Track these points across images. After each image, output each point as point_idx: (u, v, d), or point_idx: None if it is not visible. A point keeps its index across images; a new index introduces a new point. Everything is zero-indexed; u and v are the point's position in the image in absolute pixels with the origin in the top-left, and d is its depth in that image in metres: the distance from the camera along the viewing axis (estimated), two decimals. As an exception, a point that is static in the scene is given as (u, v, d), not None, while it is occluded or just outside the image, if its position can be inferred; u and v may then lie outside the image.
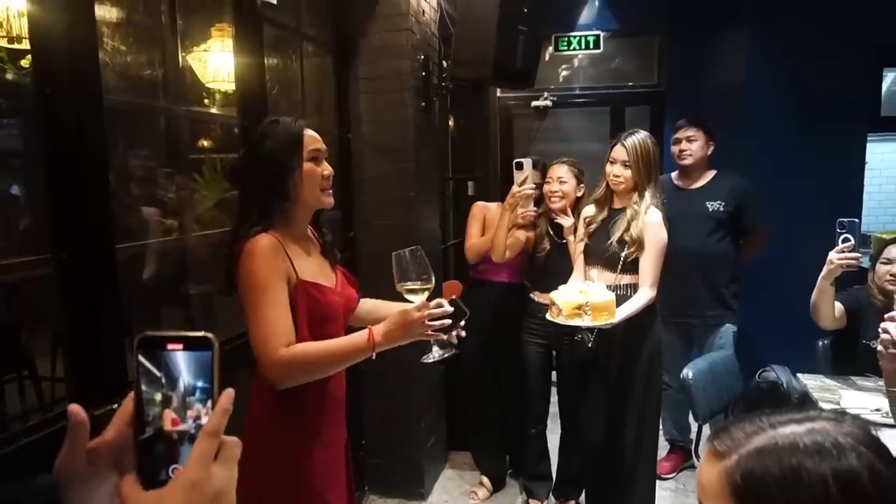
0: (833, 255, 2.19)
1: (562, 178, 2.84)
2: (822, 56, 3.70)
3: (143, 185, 2.18)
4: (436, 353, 1.56)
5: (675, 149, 3.24)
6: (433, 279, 1.53)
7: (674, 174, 3.33)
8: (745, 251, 3.30)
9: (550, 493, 3.12)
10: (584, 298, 2.23)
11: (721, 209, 3.15)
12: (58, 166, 1.47)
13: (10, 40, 1.81)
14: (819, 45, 3.70)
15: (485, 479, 3.30)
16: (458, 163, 4.64)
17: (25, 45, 1.80)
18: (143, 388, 0.57)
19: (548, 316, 2.35)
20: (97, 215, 1.54)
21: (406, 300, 1.53)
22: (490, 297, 3.12)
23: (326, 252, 1.71)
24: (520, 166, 2.78)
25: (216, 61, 2.61)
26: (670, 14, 4.69)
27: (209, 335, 0.57)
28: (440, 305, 1.47)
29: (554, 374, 3.14)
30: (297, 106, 2.80)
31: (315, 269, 1.60)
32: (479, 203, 3.25)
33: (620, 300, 2.36)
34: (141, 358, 0.57)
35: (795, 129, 3.81)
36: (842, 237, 2.10)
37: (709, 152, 3.22)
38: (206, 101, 2.68)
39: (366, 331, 1.48)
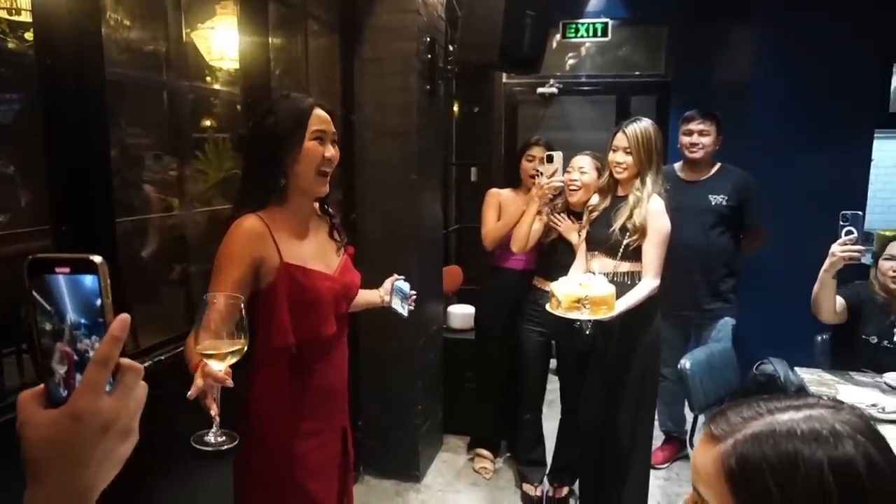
0: (836, 248, 2.18)
1: (583, 168, 2.81)
2: (831, 50, 3.68)
3: (145, 161, 2.17)
4: (209, 437, 1.25)
5: (685, 140, 3.19)
6: (244, 342, 1.22)
7: (677, 165, 3.29)
8: (745, 246, 3.28)
9: (545, 478, 3.14)
10: (584, 292, 2.23)
11: (724, 203, 3.13)
12: (59, 137, 1.46)
13: (11, 12, 1.80)
14: (828, 39, 3.67)
15: (482, 451, 3.37)
16: (462, 148, 4.63)
17: (25, 17, 1.79)
18: (41, 311, 0.55)
19: (547, 307, 2.35)
20: (98, 188, 1.53)
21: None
22: (506, 282, 3.14)
23: (332, 235, 1.67)
24: (550, 159, 2.77)
25: (220, 38, 2.59)
26: (679, 4, 4.65)
27: (94, 258, 0.54)
28: (211, 400, 1.24)
29: (553, 361, 3.16)
30: (300, 85, 2.78)
31: (310, 252, 1.56)
32: (493, 190, 3.26)
33: (619, 287, 2.36)
34: (31, 281, 0.54)
35: (802, 124, 3.79)
36: (845, 230, 2.09)
37: (717, 147, 3.19)
38: (209, 78, 2.66)
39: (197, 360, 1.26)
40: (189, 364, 1.33)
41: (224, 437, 1.25)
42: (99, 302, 0.55)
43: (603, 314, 2.23)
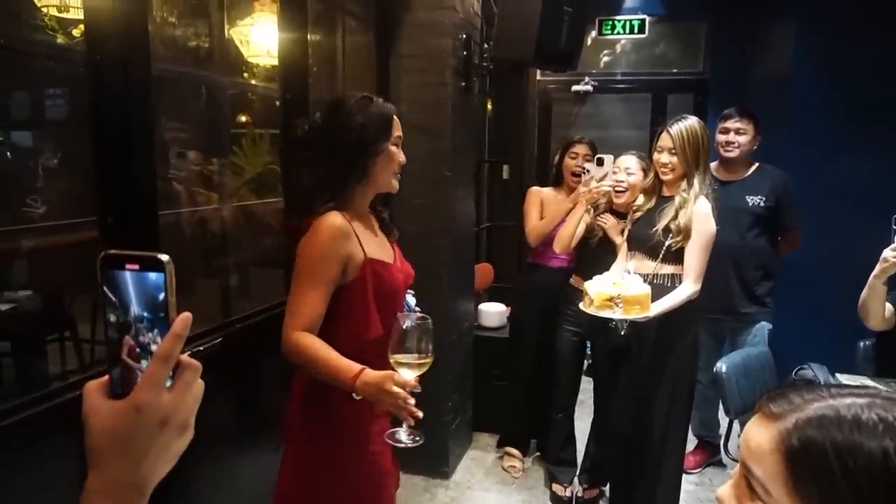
0: (888, 253, 2.11)
1: (629, 169, 2.76)
2: (875, 43, 3.56)
3: (185, 155, 2.21)
4: (402, 436, 1.44)
5: (721, 138, 3.12)
6: (431, 359, 1.39)
7: (713, 164, 3.21)
8: (782, 247, 3.20)
9: (575, 479, 3.12)
10: (617, 291, 2.19)
11: (761, 204, 3.05)
12: (105, 131, 1.49)
13: (60, 9, 1.86)
14: (869, 36, 3.56)
15: (512, 450, 3.36)
16: (494, 146, 4.61)
17: (73, 14, 1.84)
18: (109, 304, 0.57)
19: (580, 305, 2.33)
20: (142, 180, 1.56)
21: (394, 368, 1.39)
22: (545, 280, 3.13)
23: (384, 229, 1.71)
24: (601, 162, 2.72)
25: (259, 35, 2.63)
26: (717, 0, 4.56)
27: (162, 256, 0.56)
28: (412, 403, 1.37)
29: (586, 361, 3.14)
30: (337, 81, 2.80)
31: (378, 245, 1.62)
32: (534, 188, 3.24)
33: (659, 290, 2.32)
34: (103, 275, 0.56)
35: (845, 121, 3.68)
36: None
37: (755, 146, 3.11)
38: (246, 74, 2.70)
39: (358, 368, 1.42)
40: (334, 381, 1.43)
41: (418, 437, 1.43)
42: (162, 298, 0.57)
43: (636, 314, 2.19)
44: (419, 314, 1.41)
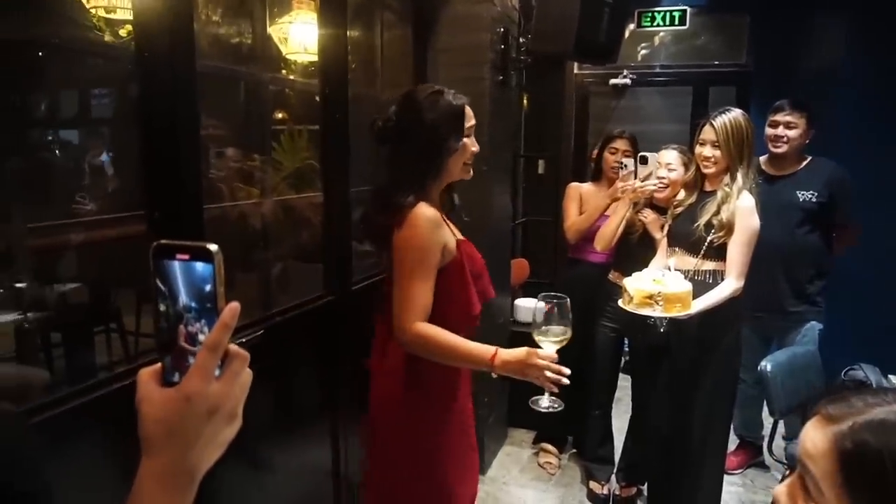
0: None
1: (671, 164, 2.70)
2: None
3: (226, 151, 2.24)
4: (545, 402, 1.62)
5: (770, 132, 3.01)
6: (570, 333, 1.56)
7: (762, 158, 3.11)
8: (836, 245, 3.09)
9: (612, 477, 3.09)
10: (657, 288, 2.15)
11: (813, 199, 2.94)
12: (153, 127, 1.52)
13: (108, 10, 1.91)
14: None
15: (547, 446, 3.34)
16: (530, 140, 4.57)
17: (119, 14, 1.89)
18: (160, 294, 0.58)
19: (619, 303, 2.29)
20: (188, 175, 1.59)
21: (536, 344, 1.56)
22: (584, 275, 3.10)
23: (451, 211, 1.79)
24: (644, 160, 2.67)
25: (298, 32, 2.65)
26: (762, -10, 4.44)
27: (211, 246, 0.57)
28: (559, 366, 1.53)
29: (623, 359, 3.10)
30: (375, 76, 2.81)
31: (457, 229, 1.72)
32: (574, 184, 3.23)
33: (701, 287, 2.27)
34: (155, 265, 0.57)
35: (890, 117, 3.54)
36: None
37: (807, 140, 2.98)
38: (285, 70, 2.73)
39: (492, 349, 1.54)
40: (465, 363, 1.61)
41: (558, 402, 1.61)
42: (210, 289, 0.57)
43: (677, 312, 2.14)
44: (556, 294, 1.56)
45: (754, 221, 2.29)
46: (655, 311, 2.14)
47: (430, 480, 1.70)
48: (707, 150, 2.34)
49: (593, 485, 3.08)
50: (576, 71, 4.99)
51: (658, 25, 4.67)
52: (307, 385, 2.29)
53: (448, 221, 1.68)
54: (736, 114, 2.33)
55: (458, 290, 1.63)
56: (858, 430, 0.73)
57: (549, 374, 1.50)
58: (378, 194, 1.67)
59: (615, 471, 3.10)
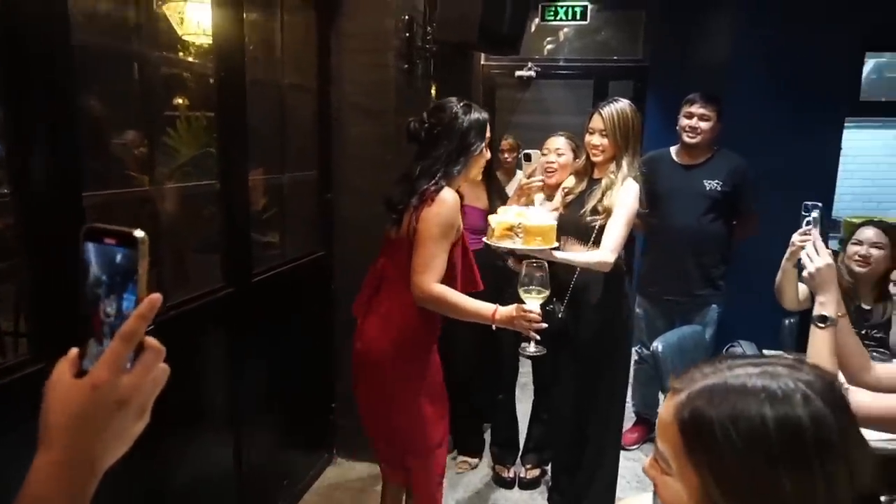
0: (795, 237, 2.20)
1: (559, 149, 2.79)
2: (807, 36, 3.69)
3: (112, 134, 2.10)
4: (532, 347, 1.97)
5: (684, 123, 3.12)
6: (548, 291, 1.92)
7: (673, 149, 3.25)
8: (737, 232, 3.26)
9: (518, 460, 3.17)
10: (518, 220, 2.11)
11: (718, 189, 3.09)
12: (23, 105, 1.40)
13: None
14: (804, 25, 3.68)
15: (467, 458, 3.27)
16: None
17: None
18: (87, 278, 0.56)
19: (484, 239, 2.24)
20: (65, 158, 1.48)
21: (522, 300, 1.90)
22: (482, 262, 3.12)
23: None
24: (528, 157, 2.76)
25: (195, 11, 2.52)
26: (657, -12, 4.65)
27: (137, 233, 0.55)
28: (540, 318, 1.89)
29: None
30: (276, 61, 2.72)
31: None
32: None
33: (592, 275, 2.36)
34: (84, 247, 0.56)
35: (777, 110, 3.81)
36: (806, 220, 2.10)
37: (716, 133, 3.13)
38: (181, 53, 2.59)
39: (493, 306, 1.92)
40: (473, 317, 1.94)
41: (541, 347, 1.98)
42: (133, 277, 0.56)
43: (537, 245, 2.10)
44: (535, 261, 1.93)
45: (633, 203, 2.35)
46: (515, 243, 2.11)
47: (415, 403, 2.03)
48: (595, 139, 2.41)
49: (499, 468, 3.14)
50: (483, 62, 5.06)
51: (561, 20, 4.81)
52: (206, 380, 2.20)
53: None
54: (623, 104, 2.40)
55: (461, 262, 2.02)
56: (693, 399, 0.75)
57: (530, 325, 1.88)
58: (405, 180, 2.01)
59: (520, 453, 3.18)
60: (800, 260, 1.63)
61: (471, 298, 1.94)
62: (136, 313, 0.55)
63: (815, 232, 1.64)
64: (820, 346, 1.48)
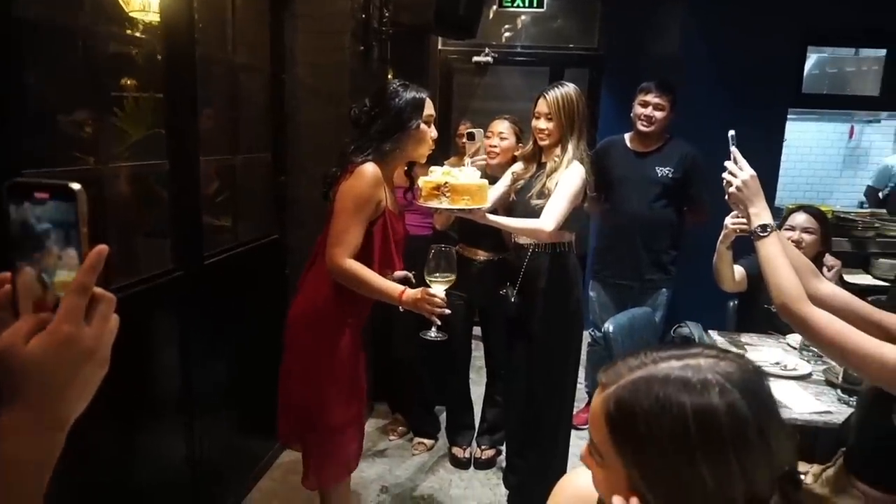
0: (728, 221, 2.29)
1: (502, 133, 2.82)
2: (754, 29, 3.79)
3: (56, 112, 2.03)
4: (432, 333, 1.95)
5: (639, 111, 3.16)
6: (453, 277, 1.92)
7: (627, 136, 3.29)
8: (688, 219, 3.33)
9: (473, 441, 3.22)
10: (445, 179, 2.07)
11: (669, 176, 3.16)
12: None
13: None
14: (751, 17, 3.78)
15: (423, 440, 3.31)
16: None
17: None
18: (15, 235, 0.54)
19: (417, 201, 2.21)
20: (7, 135, 1.43)
21: (427, 284, 1.91)
22: (414, 251, 3.11)
23: (406, 195, 2.20)
24: (472, 137, 2.77)
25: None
26: (612, -23, 4.69)
27: (73, 185, 0.54)
28: (443, 302, 1.89)
29: (478, 328, 3.19)
30: (226, 40, 2.66)
31: (393, 202, 2.03)
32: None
33: (544, 258, 2.40)
34: (11, 206, 0.53)
35: (726, 101, 3.91)
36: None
37: (669, 122, 3.18)
38: (129, 31, 2.51)
39: (401, 287, 1.91)
40: (379, 296, 1.92)
41: (442, 333, 1.95)
42: (74, 230, 0.54)
43: (465, 205, 2.07)
44: (444, 245, 1.93)
45: (577, 181, 2.35)
46: (442, 203, 2.07)
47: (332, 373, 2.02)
48: (542, 123, 2.42)
49: (455, 450, 3.18)
50: (440, 47, 5.04)
51: (518, 7, 4.82)
52: (157, 365, 2.17)
53: (390, 192, 2.01)
54: (569, 88, 2.42)
55: (380, 242, 1.97)
56: (619, 392, 0.78)
57: (432, 309, 1.87)
58: (341, 154, 2.00)
59: (475, 435, 3.23)
60: (723, 180, 1.59)
61: (381, 278, 1.92)
62: (86, 265, 0.55)
63: (735, 149, 1.65)
64: (772, 257, 1.44)
